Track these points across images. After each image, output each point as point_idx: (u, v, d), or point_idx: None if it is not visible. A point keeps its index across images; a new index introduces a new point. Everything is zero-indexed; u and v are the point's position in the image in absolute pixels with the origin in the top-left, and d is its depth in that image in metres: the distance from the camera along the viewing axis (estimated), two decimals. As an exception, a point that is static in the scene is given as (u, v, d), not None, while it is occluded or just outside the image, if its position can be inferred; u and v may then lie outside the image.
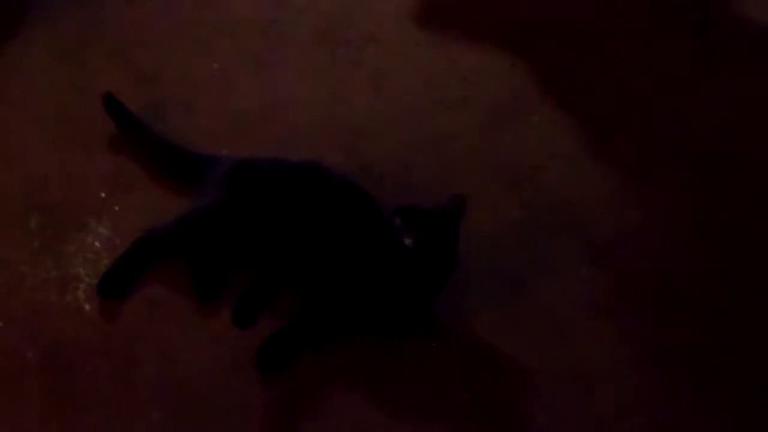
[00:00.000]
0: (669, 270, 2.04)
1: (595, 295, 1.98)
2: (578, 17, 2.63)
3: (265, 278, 1.82)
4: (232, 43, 2.49)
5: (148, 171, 2.13)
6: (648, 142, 2.31)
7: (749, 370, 1.88)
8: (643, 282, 2.02)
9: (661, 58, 2.54)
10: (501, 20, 2.61)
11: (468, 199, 1.87)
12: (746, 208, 2.18)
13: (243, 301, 1.76)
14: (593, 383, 1.84)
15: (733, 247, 2.10)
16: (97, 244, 2.00)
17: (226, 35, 2.51)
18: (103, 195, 2.08)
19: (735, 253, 2.09)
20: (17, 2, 2.50)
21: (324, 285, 1.87)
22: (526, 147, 2.28)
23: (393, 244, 1.77)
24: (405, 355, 1.86)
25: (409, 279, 1.80)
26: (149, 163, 2.13)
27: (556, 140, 2.30)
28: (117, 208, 2.06)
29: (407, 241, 1.75)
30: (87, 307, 1.89)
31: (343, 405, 1.79)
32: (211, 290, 1.93)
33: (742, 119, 2.39)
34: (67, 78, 2.34)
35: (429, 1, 2.64)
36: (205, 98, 2.33)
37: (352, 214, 1.94)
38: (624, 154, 2.28)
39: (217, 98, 2.34)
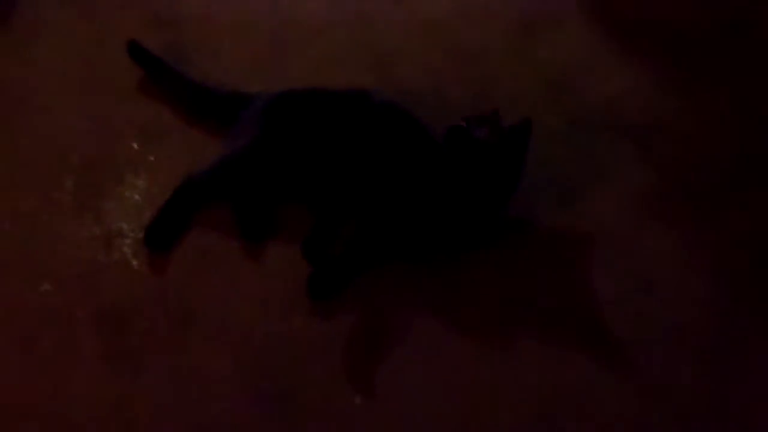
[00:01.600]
0: (720, 161, 1.98)
1: (649, 198, 1.93)
2: None
3: (330, 212, 1.83)
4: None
5: (179, 117, 2.08)
6: (684, 35, 2.23)
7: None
8: (696, 177, 1.97)
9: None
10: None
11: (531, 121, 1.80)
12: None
13: (311, 238, 1.80)
14: (655, 289, 1.80)
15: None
16: (136, 196, 1.96)
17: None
18: (136, 146, 2.04)
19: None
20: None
21: (386, 208, 1.83)
22: (560, 54, 2.21)
23: (460, 149, 1.74)
24: (465, 276, 1.83)
25: (482, 176, 1.76)
26: (180, 108, 2.08)
27: (590, 45, 2.22)
28: (152, 158, 2.02)
29: (479, 134, 1.72)
30: (134, 262, 1.87)
31: (416, 331, 1.77)
32: (258, 230, 1.89)
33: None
34: (86, 29, 2.27)
35: None
36: (228, 36, 2.26)
37: (401, 136, 1.89)
38: (660, 50, 2.20)
39: (240, 34, 2.27)
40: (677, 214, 1.90)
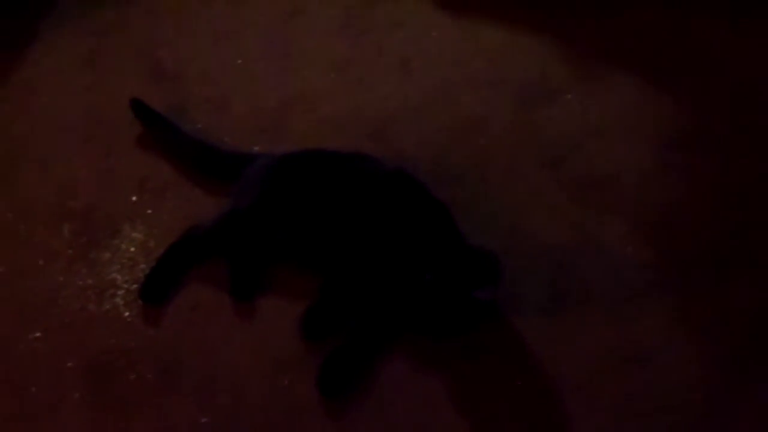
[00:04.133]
0: (716, 241, 1.98)
1: (643, 272, 1.93)
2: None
3: (332, 282, 1.83)
4: (254, 37, 2.46)
5: (179, 172, 2.10)
6: (686, 112, 2.25)
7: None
8: (691, 255, 1.96)
9: (696, 21, 2.49)
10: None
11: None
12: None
13: (311, 313, 1.81)
14: (650, 362, 1.78)
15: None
16: (131, 249, 1.97)
17: (248, 29, 2.48)
18: (134, 199, 2.06)
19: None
20: (36, 6, 2.47)
21: (386, 286, 1.81)
22: (560, 125, 2.22)
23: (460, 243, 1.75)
24: (457, 346, 1.81)
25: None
26: (180, 164, 2.11)
27: (591, 116, 2.24)
28: (150, 211, 2.03)
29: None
30: (126, 313, 1.87)
31: (396, 400, 1.74)
32: (249, 289, 1.89)
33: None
34: (91, 82, 2.32)
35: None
36: (231, 95, 2.30)
37: (408, 207, 1.87)
38: (662, 126, 2.23)
39: (243, 94, 2.30)
40: (670, 288, 1.90)
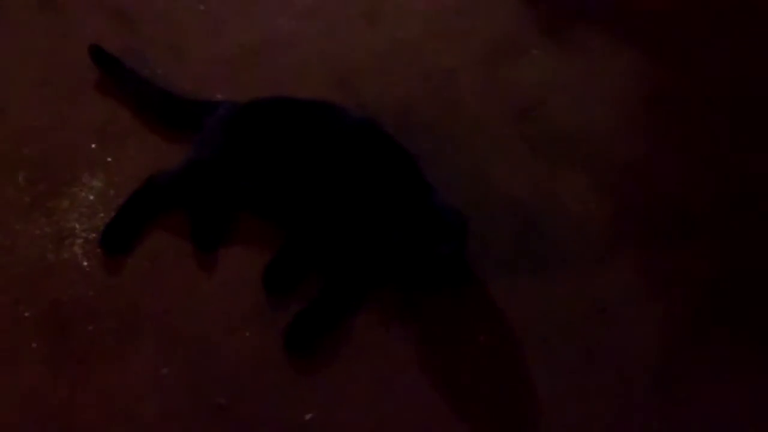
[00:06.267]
0: (679, 199, 1.99)
1: (605, 228, 1.94)
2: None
3: (296, 234, 1.80)
4: (217, -19, 2.40)
5: (140, 119, 2.05)
6: (652, 71, 2.25)
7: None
8: (653, 213, 1.98)
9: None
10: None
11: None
12: (753, 134, 2.14)
13: (273, 265, 1.79)
14: (611, 316, 1.80)
15: (740, 174, 2.05)
16: (90, 197, 1.93)
17: (210, -27, 2.43)
18: (94, 146, 2.01)
19: (743, 179, 2.04)
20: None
21: (350, 237, 1.79)
22: (526, 81, 2.22)
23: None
24: (421, 302, 1.81)
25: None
26: (141, 112, 2.06)
27: (557, 72, 2.24)
28: (110, 159, 1.99)
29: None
30: (85, 263, 1.83)
31: (360, 354, 1.74)
32: (211, 240, 1.86)
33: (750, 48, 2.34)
34: (48, 25, 2.25)
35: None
36: (193, 41, 2.25)
37: (376, 158, 1.85)
38: (628, 85, 2.22)
39: (205, 40, 2.26)
40: (632, 245, 1.91)
